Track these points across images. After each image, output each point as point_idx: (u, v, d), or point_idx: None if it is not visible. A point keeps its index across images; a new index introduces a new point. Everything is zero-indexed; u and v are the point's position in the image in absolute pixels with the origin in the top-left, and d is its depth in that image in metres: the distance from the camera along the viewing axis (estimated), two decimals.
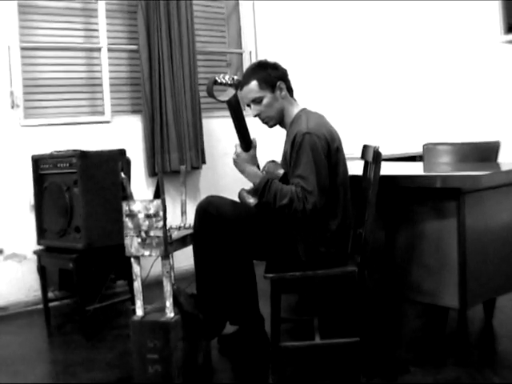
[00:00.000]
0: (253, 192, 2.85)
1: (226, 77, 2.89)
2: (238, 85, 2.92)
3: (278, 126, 3.08)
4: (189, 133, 5.02)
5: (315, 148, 2.73)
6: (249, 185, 2.92)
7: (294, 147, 2.78)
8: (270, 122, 3.00)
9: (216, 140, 5.32)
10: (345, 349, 2.95)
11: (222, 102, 2.91)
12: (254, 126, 3.13)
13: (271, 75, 2.94)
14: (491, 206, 3.07)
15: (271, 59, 3.05)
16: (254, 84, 2.93)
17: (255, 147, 2.95)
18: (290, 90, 3.03)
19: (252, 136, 2.97)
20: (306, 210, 2.69)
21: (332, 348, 3.04)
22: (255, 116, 2.99)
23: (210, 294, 3.02)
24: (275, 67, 2.99)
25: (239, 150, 2.93)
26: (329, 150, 2.79)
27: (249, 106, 3.00)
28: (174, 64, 4.96)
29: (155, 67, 4.89)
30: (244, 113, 2.96)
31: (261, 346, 3.10)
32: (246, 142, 2.94)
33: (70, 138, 4.55)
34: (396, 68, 5.83)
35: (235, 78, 2.92)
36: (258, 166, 2.98)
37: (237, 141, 2.96)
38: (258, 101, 2.94)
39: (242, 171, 2.93)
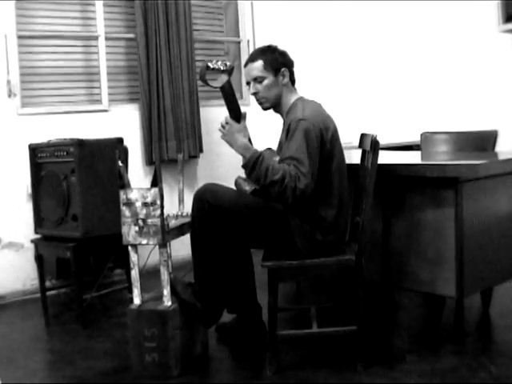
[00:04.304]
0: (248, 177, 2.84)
1: (219, 62, 2.88)
2: (231, 71, 2.92)
3: (275, 115, 3.08)
4: (186, 121, 5.02)
5: (309, 134, 2.73)
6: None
7: (288, 133, 2.78)
8: (265, 103, 3.00)
9: (213, 128, 5.25)
10: (342, 337, 2.96)
11: (215, 87, 2.90)
12: (251, 116, 3.12)
13: (278, 60, 2.97)
14: (488, 195, 3.07)
15: None
16: (259, 63, 2.95)
17: (245, 118, 2.91)
18: (292, 80, 3.04)
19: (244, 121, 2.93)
20: (297, 190, 2.65)
21: (329, 337, 3.05)
22: (252, 94, 2.99)
23: (207, 282, 3.02)
24: (284, 54, 3.02)
25: (230, 120, 2.86)
26: (322, 139, 2.79)
27: (248, 84, 3.01)
28: (172, 52, 4.94)
29: (153, 55, 4.87)
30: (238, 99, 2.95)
31: (258, 335, 3.11)
32: (237, 118, 2.89)
33: (67, 127, 4.53)
34: (394, 57, 5.82)
35: (228, 63, 2.91)
36: (250, 140, 2.96)
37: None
38: (259, 80, 2.95)
39: (233, 143, 2.84)
